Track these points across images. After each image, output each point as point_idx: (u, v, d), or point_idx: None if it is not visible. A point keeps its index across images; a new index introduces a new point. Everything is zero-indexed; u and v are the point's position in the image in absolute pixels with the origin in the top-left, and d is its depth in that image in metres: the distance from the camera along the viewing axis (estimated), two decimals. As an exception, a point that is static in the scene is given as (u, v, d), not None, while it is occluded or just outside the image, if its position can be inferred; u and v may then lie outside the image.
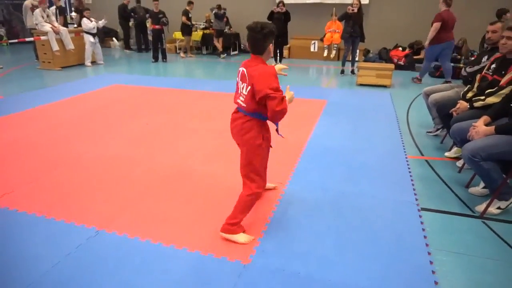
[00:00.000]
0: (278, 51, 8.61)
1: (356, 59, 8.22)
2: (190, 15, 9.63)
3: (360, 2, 7.20)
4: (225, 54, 10.21)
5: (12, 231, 2.25)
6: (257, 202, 2.34)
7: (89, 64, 8.51)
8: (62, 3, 10.14)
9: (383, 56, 9.33)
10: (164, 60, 9.27)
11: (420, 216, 2.44)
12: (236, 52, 10.70)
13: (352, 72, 7.75)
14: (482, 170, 2.33)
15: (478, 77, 3.19)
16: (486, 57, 3.43)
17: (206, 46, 10.87)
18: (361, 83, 6.63)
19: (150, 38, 10.03)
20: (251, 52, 2.02)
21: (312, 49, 9.86)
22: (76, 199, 2.61)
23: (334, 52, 9.15)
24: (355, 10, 7.10)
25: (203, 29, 10.68)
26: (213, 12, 9.77)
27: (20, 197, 2.62)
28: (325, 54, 9.19)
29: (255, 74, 1.90)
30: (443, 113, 3.40)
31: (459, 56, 8.40)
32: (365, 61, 9.16)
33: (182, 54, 10.17)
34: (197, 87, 6.29)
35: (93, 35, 8.41)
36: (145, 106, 5.06)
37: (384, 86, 6.50)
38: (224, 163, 3.22)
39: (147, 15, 9.83)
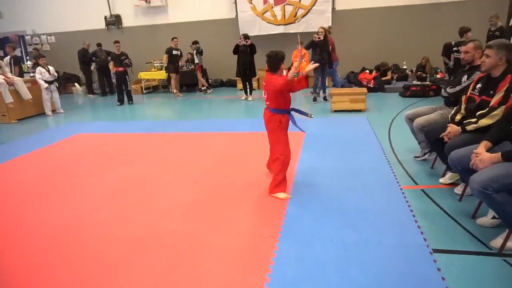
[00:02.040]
0: (247, 84, 8.47)
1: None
2: (175, 52, 9.36)
3: (325, 29, 7.24)
4: (211, 90, 9.99)
5: None
6: (251, 262, 1.98)
7: (50, 113, 7.99)
8: (17, 52, 9.66)
9: (352, 79, 9.42)
10: (130, 102, 8.90)
11: (435, 261, 2.16)
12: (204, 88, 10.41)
13: (325, 98, 7.68)
14: (495, 203, 2.10)
15: (463, 98, 3.06)
16: (465, 76, 3.33)
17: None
18: (336, 109, 6.52)
19: (114, 81, 9.66)
20: (270, 72, 3.09)
21: (281, 79, 9.81)
22: (41, 277, 2.14)
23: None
24: (321, 37, 7.12)
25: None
26: (196, 48, 9.58)
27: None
28: (295, 83, 9.16)
29: (270, 81, 3.05)
30: (432, 139, 3.23)
31: (424, 74, 8.58)
32: (334, 86, 9.19)
33: (177, 92, 9.78)
34: (169, 129, 5.94)
35: (50, 82, 7.93)
36: (112, 157, 4.62)
37: (359, 111, 6.41)
38: (205, 220, 2.84)
39: (109, 58, 9.51)
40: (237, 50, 8.16)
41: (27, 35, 12.05)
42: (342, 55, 9.23)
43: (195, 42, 9.56)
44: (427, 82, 7.90)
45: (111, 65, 9.43)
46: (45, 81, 7.84)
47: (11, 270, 2.33)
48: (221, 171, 3.90)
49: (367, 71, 9.27)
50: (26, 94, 7.55)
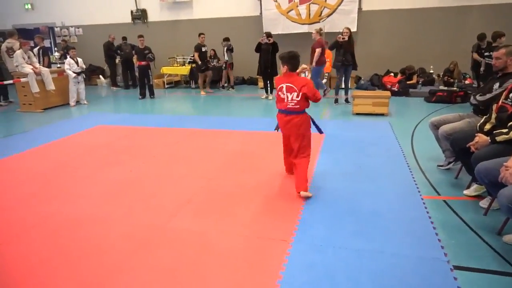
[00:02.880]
0: (268, 82, 8.40)
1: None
2: (204, 49, 9.03)
3: (350, 30, 7.07)
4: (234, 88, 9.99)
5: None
6: (260, 266, 1.92)
7: (73, 103, 8.16)
8: (46, 44, 9.91)
9: (375, 82, 9.19)
10: (152, 96, 8.98)
11: (455, 279, 2.04)
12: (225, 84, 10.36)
13: (346, 100, 7.51)
14: (525, 221, 1.96)
15: (494, 107, 2.89)
16: (497, 84, 3.15)
17: (195, 80, 10.66)
18: (357, 112, 6.36)
19: (137, 74, 9.77)
20: (290, 71, 3.03)
21: (303, 79, 9.69)
22: (39, 278, 2.15)
23: (325, 80, 8.99)
24: (346, 38, 6.96)
25: (191, 63, 10.51)
26: (227, 45, 9.45)
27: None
28: (316, 83, 9.04)
29: (305, 83, 3.01)
30: (458, 148, 3.07)
31: (451, 80, 8.28)
32: (357, 88, 9.00)
33: (202, 92, 9.46)
34: (187, 125, 5.94)
35: (77, 73, 8.11)
36: (130, 150, 4.65)
37: (381, 115, 6.23)
38: (215, 219, 2.80)
39: (133, 52, 9.63)
40: (259, 48, 8.11)
41: (57, 27, 12.36)
42: (366, 56, 9.05)
43: (226, 39, 9.44)
44: (455, 88, 7.60)
45: (134, 59, 9.54)
46: (73, 72, 8.02)
47: (16, 258, 2.35)
48: (235, 169, 3.85)
49: (392, 74, 9.02)
50: (50, 85, 7.72)
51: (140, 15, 11.32)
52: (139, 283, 2.08)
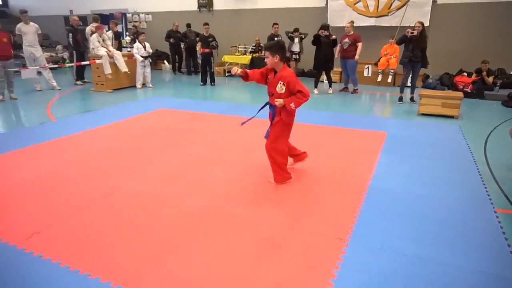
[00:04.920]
0: (327, 77, 8.18)
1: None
2: (276, 39, 9.00)
3: (423, 24, 6.61)
4: None
5: (33, 283, 1.98)
6: (314, 262, 1.89)
7: (140, 86, 8.64)
8: (118, 28, 10.54)
9: (445, 82, 8.56)
10: (213, 83, 9.20)
11: (531, 304, 1.84)
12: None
13: (412, 99, 7.08)
14: None
15: None
16: None
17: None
18: (424, 113, 5.98)
19: (199, 61, 10.06)
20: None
21: (365, 74, 9.31)
22: (102, 247, 2.31)
23: (390, 77, 8.57)
24: (414, 33, 6.51)
25: (252, 52, 10.58)
26: (300, 36, 9.29)
27: (46, 240, 2.38)
28: (379, 79, 8.64)
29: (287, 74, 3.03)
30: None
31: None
32: (423, 87, 8.45)
33: None
34: (244, 113, 5.99)
35: (144, 57, 8.55)
36: (189, 134, 4.81)
37: (451, 117, 5.79)
38: (268, 209, 2.80)
39: (197, 39, 9.90)
40: (318, 41, 7.79)
41: (129, 13, 13.09)
42: (436, 53, 8.44)
43: (297, 30, 9.29)
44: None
45: (198, 46, 9.81)
46: (141, 56, 8.48)
47: (92, 226, 2.55)
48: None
49: (465, 73, 8.34)
50: (123, 67, 8.22)
51: (206, 3, 11.59)
52: (190, 263, 2.15)
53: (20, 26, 7.79)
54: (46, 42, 12.97)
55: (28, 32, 7.81)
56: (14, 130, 5.07)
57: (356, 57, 7.83)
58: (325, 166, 3.67)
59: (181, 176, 3.46)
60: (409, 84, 7.17)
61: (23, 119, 5.94)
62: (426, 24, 8.07)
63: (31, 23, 7.93)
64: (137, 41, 8.80)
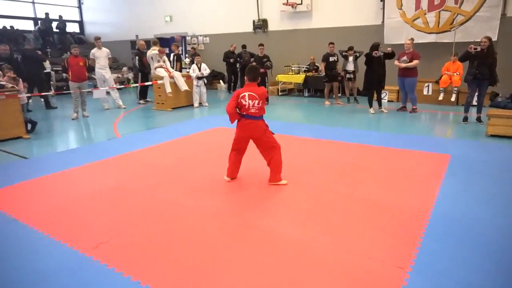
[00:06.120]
0: (377, 96, 7.92)
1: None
2: (332, 58, 8.84)
3: (490, 39, 6.19)
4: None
5: (98, 291, 2.11)
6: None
7: (197, 105, 9.04)
8: (179, 51, 11.19)
9: (518, 100, 7.88)
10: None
11: None
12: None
13: (479, 119, 6.59)
14: None
15: None
16: None
17: (308, 89, 10.77)
18: (493, 134, 5.53)
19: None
20: (250, 82, 3.56)
21: (425, 92, 8.87)
22: (163, 260, 2.41)
23: (453, 96, 8.09)
24: (478, 49, 6.10)
25: (306, 71, 10.62)
26: (355, 55, 9.05)
27: (113, 250, 2.54)
28: (441, 97, 8.19)
29: (262, 91, 3.54)
30: None
31: None
32: (491, 106, 7.85)
33: (337, 100, 9.25)
34: (299, 133, 6.00)
35: (199, 78, 8.94)
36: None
37: (525, 139, 5.30)
38: (323, 230, 2.74)
39: (252, 59, 10.18)
40: (371, 61, 7.58)
41: (188, 36, 13.87)
42: (506, 71, 7.83)
43: (351, 48, 9.18)
44: None
45: (253, 66, 10.06)
46: (197, 77, 8.91)
47: (152, 239, 2.67)
48: (344, 182, 3.73)
49: (541, 92, 7.61)
50: (183, 85, 8.66)
51: (261, 25, 11.92)
52: (237, 277, 2.15)
53: (94, 51, 8.60)
54: (114, 65, 14.13)
55: (101, 56, 8.60)
56: (85, 146, 5.53)
57: (397, 63, 7.74)
58: (384, 189, 3.52)
59: (234, 192, 3.52)
60: (475, 103, 6.71)
61: (92, 135, 6.48)
62: (494, 39, 7.57)
63: (103, 48, 8.72)
64: (194, 62, 9.27)
